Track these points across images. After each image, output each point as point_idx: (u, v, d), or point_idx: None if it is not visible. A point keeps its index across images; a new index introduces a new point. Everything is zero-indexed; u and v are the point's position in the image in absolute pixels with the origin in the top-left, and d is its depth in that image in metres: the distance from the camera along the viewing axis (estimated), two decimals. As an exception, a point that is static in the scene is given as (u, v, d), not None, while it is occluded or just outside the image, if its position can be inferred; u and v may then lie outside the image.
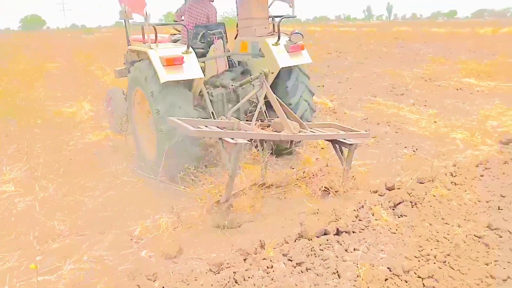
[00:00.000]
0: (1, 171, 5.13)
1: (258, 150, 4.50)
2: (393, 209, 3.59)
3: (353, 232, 3.18)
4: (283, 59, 4.83)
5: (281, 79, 5.02)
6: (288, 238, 3.26)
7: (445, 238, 3.13)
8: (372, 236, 3.17)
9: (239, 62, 5.52)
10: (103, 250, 3.44)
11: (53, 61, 18.71)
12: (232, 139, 3.54)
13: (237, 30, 5.66)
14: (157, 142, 4.39)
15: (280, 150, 5.20)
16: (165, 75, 4.11)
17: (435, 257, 2.88)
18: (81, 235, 3.71)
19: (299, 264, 2.86)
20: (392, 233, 3.25)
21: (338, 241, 3.05)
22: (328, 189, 4.09)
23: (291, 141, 3.98)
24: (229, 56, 5.45)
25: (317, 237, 3.07)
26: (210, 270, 2.95)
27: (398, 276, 2.73)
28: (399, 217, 3.50)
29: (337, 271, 2.78)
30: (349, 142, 4.12)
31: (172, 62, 4.12)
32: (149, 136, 4.77)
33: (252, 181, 4.36)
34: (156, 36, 4.95)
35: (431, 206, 3.58)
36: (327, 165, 4.48)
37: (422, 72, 11.42)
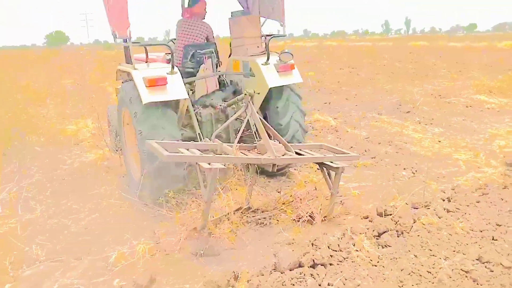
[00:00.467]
0: (-9, 191, 5.13)
1: (243, 172, 4.38)
2: (377, 239, 3.40)
3: (330, 264, 3.01)
4: (272, 79, 4.73)
5: (272, 99, 4.93)
6: (264, 269, 3.11)
7: (429, 272, 2.93)
8: (350, 269, 2.98)
9: (231, 82, 5.45)
10: (76, 278, 3.35)
11: (70, 77, 19.09)
12: (209, 163, 3.43)
13: (230, 49, 5.62)
14: (141, 164, 4.31)
15: (273, 170, 5.09)
16: (148, 96, 4.04)
17: (415, 294, 2.69)
18: (57, 261, 3.62)
19: (268, 299, 2.71)
20: (372, 265, 3.06)
21: (312, 275, 2.88)
22: (313, 215, 3.92)
23: (274, 165, 3.83)
24: (222, 76, 5.38)
25: (290, 270, 2.91)
26: (177, 303, 2.83)
27: (372, 315, 2.55)
28: (382, 248, 3.30)
29: (308, 308, 2.62)
30: (335, 166, 3.93)
31: (155, 83, 4.06)
32: (136, 157, 4.71)
33: (239, 204, 4.24)
34: (147, 56, 4.95)
35: (418, 235, 3.38)
36: (316, 189, 4.32)
37: (432, 89, 11.16)
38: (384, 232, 3.42)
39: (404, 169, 5.52)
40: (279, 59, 4.79)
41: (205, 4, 5.42)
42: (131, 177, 4.88)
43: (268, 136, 4.14)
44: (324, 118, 8.23)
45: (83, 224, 4.31)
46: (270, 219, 4.09)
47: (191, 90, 5.04)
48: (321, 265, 2.98)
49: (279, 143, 4.09)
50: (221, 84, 5.33)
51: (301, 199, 4.15)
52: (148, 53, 5.09)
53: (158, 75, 4.15)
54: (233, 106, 4.83)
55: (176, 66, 5.04)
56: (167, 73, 4.23)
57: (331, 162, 3.99)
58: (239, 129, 4.22)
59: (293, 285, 2.79)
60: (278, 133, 4.48)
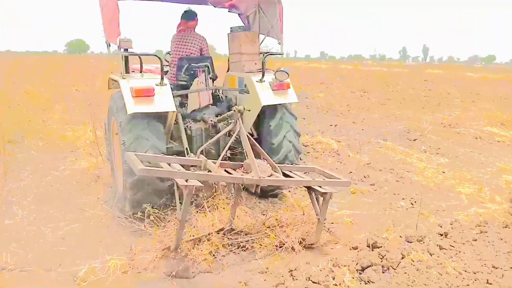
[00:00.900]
0: (-24, 194, 5.03)
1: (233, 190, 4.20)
2: (360, 273, 3.17)
3: (305, 298, 2.79)
4: (266, 97, 4.61)
5: (265, 118, 4.80)
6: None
7: (412, 315, 2.69)
8: (326, 304, 2.76)
9: (226, 97, 5.34)
10: (40, 291, 3.18)
11: (81, 84, 19.26)
12: (186, 180, 3.26)
13: (228, 65, 5.53)
14: (123, 175, 4.17)
15: (264, 191, 4.91)
16: (133, 106, 3.96)
17: None
18: (25, 271, 3.47)
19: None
20: (351, 302, 2.83)
21: (283, 308, 2.66)
22: (295, 242, 3.70)
23: (257, 186, 3.65)
24: (217, 91, 5.29)
25: (260, 302, 2.70)
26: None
27: None
28: (365, 283, 3.06)
29: None
30: (323, 191, 3.72)
31: (141, 94, 3.97)
32: (122, 169, 4.58)
33: (223, 224, 4.05)
34: (141, 66, 4.89)
35: (405, 273, 3.13)
36: (304, 214, 4.11)
37: (442, 118, 10.90)
38: (369, 267, 3.19)
39: (403, 199, 5.28)
40: (275, 77, 4.66)
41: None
42: (116, 188, 4.74)
43: (257, 155, 4.00)
44: (326, 141, 8.03)
45: (60, 233, 4.16)
46: (252, 242, 3.88)
47: (184, 103, 4.95)
48: (294, 298, 2.76)
49: (267, 163, 3.92)
50: (216, 99, 5.24)
51: (287, 224, 3.94)
52: (147, 64, 5.03)
53: (145, 85, 4.05)
54: (225, 122, 4.69)
55: (170, 79, 5.05)
56: (156, 84, 4.12)
57: (320, 186, 3.79)
58: (226, 145, 4.08)
59: (261, 318, 2.58)
60: (270, 153, 4.43)
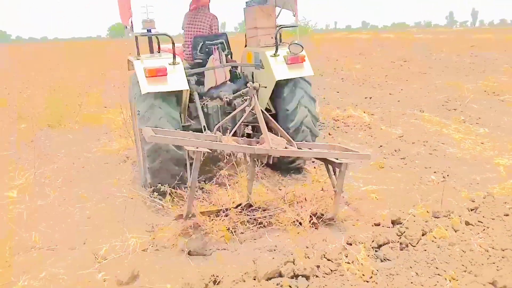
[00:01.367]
0: (13, 176, 5.30)
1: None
2: (376, 251, 3.05)
3: (315, 276, 2.72)
4: (280, 72, 4.53)
5: (279, 88, 4.71)
6: (246, 275, 2.89)
7: (428, 294, 2.56)
8: (336, 283, 2.68)
9: (243, 73, 5.30)
10: (63, 268, 3.31)
11: (118, 67, 19.71)
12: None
13: (245, 40, 5.45)
14: (140, 146, 4.32)
15: (286, 166, 4.90)
16: (147, 86, 4.05)
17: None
18: (51, 249, 3.63)
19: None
20: (364, 281, 2.73)
21: (290, 287, 2.61)
22: (316, 216, 3.62)
23: (269, 157, 3.62)
24: (235, 67, 5.24)
25: (267, 280, 2.66)
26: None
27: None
28: (381, 261, 2.95)
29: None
30: (338, 161, 3.60)
31: (155, 73, 4.03)
32: None
33: (241, 200, 4.04)
34: (159, 46, 4.91)
35: (425, 250, 2.99)
36: (322, 190, 4.01)
37: (486, 85, 10.21)
38: (385, 244, 3.06)
39: (434, 172, 5.02)
40: (289, 51, 4.54)
41: None
42: (140, 166, 4.86)
43: (273, 131, 3.96)
44: (358, 114, 7.76)
45: (87, 213, 4.30)
46: (270, 218, 3.84)
47: (201, 81, 4.98)
48: (303, 276, 2.70)
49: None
50: (233, 76, 5.22)
51: (305, 200, 3.86)
52: (166, 44, 5.04)
53: (158, 65, 4.10)
54: (242, 98, 4.64)
55: (187, 59, 5.17)
56: (169, 64, 4.16)
57: (336, 159, 3.66)
58: (240, 120, 4.13)
59: (267, 296, 2.55)
60: (286, 120, 4.57)
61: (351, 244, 3.23)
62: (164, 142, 3.66)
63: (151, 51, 4.97)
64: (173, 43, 4.26)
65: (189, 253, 3.48)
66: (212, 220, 3.71)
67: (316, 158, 4.17)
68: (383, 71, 14.34)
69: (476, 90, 9.72)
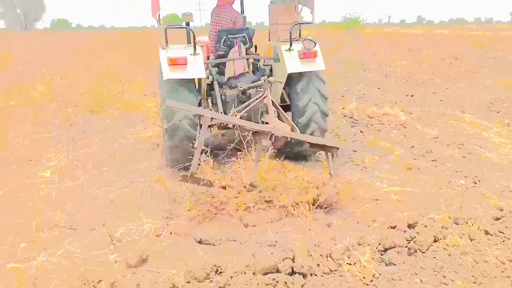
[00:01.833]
0: (50, 158, 5.61)
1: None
2: (381, 254, 2.96)
3: (313, 275, 2.69)
4: (293, 65, 4.88)
5: (294, 83, 5.07)
6: (247, 268, 2.90)
7: (429, 303, 2.47)
8: (334, 283, 2.64)
9: (265, 66, 5.69)
10: (80, 247, 3.49)
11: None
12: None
13: (269, 35, 5.89)
14: (163, 125, 4.80)
15: (294, 153, 5.13)
16: (168, 73, 4.55)
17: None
18: (72, 229, 3.83)
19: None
20: (364, 284, 2.67)
21: (286, 283, 2.60)
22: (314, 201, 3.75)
23: (272, 135, 3.97)
24: (257, 60, 5.67)
25: (264, 275, 2.66)
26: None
27: None
28: (386, 265, 2.86)
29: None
30: (335, 146, 3.96)
31: (176, 62, 4.52)
32: None
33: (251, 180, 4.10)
34: (188, 38, 5.14)
35: (434, 257, 2.87)
36: (321, 174, 4.29)
37: (542, 87, 9.54)
38: (391, 248, 2.96)
39: (465, 177, 4.78)
40: (303, 46, 4.87)
41: None
42: (164, 149, 5.21)
43: (282, 119, 4.57)
44: (394, 112, 7.52)
45: (111, 196, 4.48)
46: (270, 202, 3.91)
47: (222, 72, 5.40)
48: (300, 274, 2.67)
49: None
50: (254, 68, 5.64)
51: (308, 181, 4.07)
52: (201, 37, 5.75)
53: (179, 55, 4.57)
54: (257, 89, 4.96)
55: (212, 51, 5.67)
56: (190, 54, 4.61)
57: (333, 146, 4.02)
58: (251, 105, 4.60)
59: (262, 291, 2.55)
60: (297, 115, 4.98)
61: (360, 245, 3.16)
62: (183, 108, 3.97)
63: (188, 42, 5.35)
64: (194, 37, 4.71)
65: (200, 242, 3.57)
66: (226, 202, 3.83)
67: (315, 146, 4.33)
68: (431, 68, 13.77)
69: (528, 92, 9.11)
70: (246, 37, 5.35)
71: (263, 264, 2.71)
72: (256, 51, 5.74)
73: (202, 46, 5.41)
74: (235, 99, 5.13)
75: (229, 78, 5.29)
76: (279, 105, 4.76)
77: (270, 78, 4.38)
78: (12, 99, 9.30)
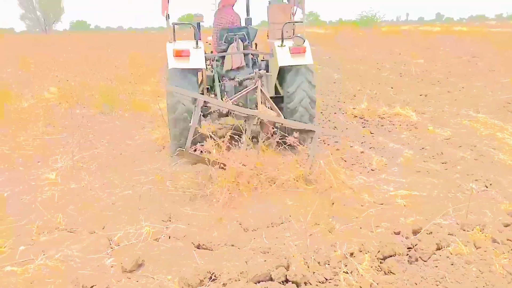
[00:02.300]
0: (56, 159, 5.64)
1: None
2: (380, 262, 2.85)
3: (307, 283, 2.59)
4: (284, 59, 5.41)
5: (285, 73, 5.58)
6: (241, 275, 2.83)
7: (428, 315, 2.35)
8: (329, 293, 2.54)
9: (262, 61, 6.22)
10: (77, 251, 3.47)
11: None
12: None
13: (268, 33, 6.45)
14: (167, 115, 5.34)
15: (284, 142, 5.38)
16: (174, 63, 5.19)
17: None
18: (72, 232, 3.82)
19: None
20: (360, 293, 2.56)
21: (278, 292, 2.51)
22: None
23: (258, 119, 4.51)
24: (255, 56, 6.22)
25: (256, 283, 2.58)
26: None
27: None
28: (384, 274, 2.75)
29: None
30: (309, 128, 4.60)
31: (180, 54, 5.15)
32: None
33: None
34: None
35: (436, 266, 2.74)
36: (307, 157, 4.56)
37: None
38: (391, 256, 2.85)
39: (476, 180, 4.60)
40: (294, 43, 5.42)
41: None
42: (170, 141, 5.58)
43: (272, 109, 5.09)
44: (405, 112, 7.33)
45: (113, 199, 4.47)
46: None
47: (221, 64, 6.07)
48: (294, 283, 2.58)
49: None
50: (252, 62, 6.14)
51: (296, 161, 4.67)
52: (207, 36, 6.54)
53: (183, 48, 5.21)
54: (252, 81, 5.42)
55: (215, 47, 6.20)
56: (193, 48, 5.24)
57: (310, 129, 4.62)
58: (243, 92, 5.22)
59: (253, 300, 2.48)
60: (287, 101, 5.52)
61: (361, 251, 3.05)
62: (181, 93, 4.63)
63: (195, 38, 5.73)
64: (196, 31, 5.53)
65: (198, 247, 3.51)
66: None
67: (296, 131, 4.67)
68: (447, 67, 13.45)
69: (548, 91, 8.79)
70: (245, 35, 5.92)
71: (255, 271, 2.63)
72: (256, 48, 6.31)
73: (209, 44, 6.30)
74: (232, 89, 5.67)
75: (228, 71, 5.87)
76: (273, 96, 5.49)
77: (261, 71, 5.12)
78: (25, 101, 9.42)
